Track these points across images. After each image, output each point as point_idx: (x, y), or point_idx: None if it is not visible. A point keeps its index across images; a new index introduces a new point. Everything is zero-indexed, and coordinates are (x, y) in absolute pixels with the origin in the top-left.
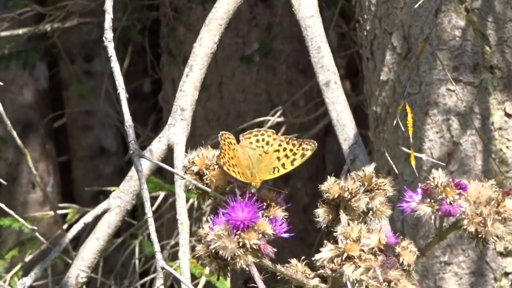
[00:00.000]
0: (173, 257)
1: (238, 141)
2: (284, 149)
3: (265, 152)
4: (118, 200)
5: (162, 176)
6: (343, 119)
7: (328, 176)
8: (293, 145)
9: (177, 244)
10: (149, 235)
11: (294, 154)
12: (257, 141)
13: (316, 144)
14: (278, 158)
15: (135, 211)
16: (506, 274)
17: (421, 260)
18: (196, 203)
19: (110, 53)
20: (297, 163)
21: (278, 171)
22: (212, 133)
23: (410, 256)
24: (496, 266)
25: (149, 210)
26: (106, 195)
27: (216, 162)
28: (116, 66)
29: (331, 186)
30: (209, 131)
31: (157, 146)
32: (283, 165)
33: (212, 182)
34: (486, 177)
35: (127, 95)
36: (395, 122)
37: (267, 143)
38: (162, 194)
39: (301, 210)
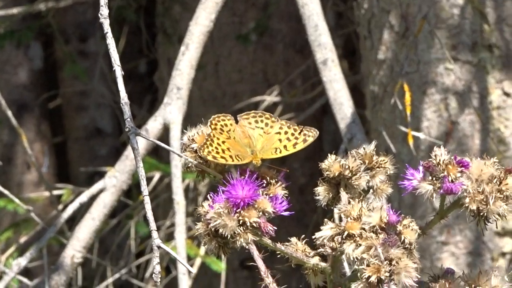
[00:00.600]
0: (168, 238)
1: (236, 121)
2: (286, 132)
3: (265, 132)
4: (113, 180)
5: (157, 156)
6: (340, 98)
7: (329, 154)
8: (294, 130)
9: (172, 225)
10: (144, 216)
11: (296, 138)
12: (256, 121)
13: (318, 132)
14: (280, 140)
15: (130, 192)
16: (503, 254)
17: (418, 240)
18: (192, 183)
19: (105, 30)
20: (299, 147)
21: (280, 152)
22: (208, 113)
23: (411, 234)
24: (493, 246)
25: (145, 188)
26: (101, 176)
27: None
28: (111, 43)
29: (331, 164)
30: (205, 111)
31: (153, 125)
32: (285, 146)
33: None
34: (483, 157)
35: (122, 73)
36: (392, 101)
37: (266, 125)
38: (157, 175)
39: (297, 190)
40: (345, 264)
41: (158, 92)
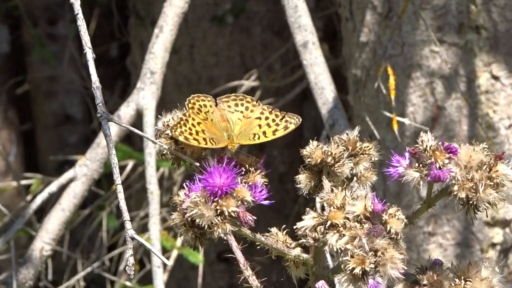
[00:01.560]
0: (142, 229)
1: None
2: (267, 118)
3: (244, 117)
4: (84, 169)
5: (130, 144)
6: (321, 82)
7: (310, 140)
8: (276, 116)
9: (146, 216)
10: (117, 206)
11: (277, 125)
12: (236, 105)
13: (300, 119)
14: (260, 126)
15: (101, 182)
16: (493, 245)
17: (404, 230)
18: (166, 172)
19: (76, 11)
20: (279, 134)
21: (258, 138)
22: (183, 99)
23: (397, 224)
24: (482, 237)
25: (117, 177)
26: (71, 164)
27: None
28: (82, 24)
29: (313, 150)
30: (179, 97)
31: (126, 111)
32: (264, 133)
33: (187, 146)
34: (472, 143)
35: (94, 56)
36: (376, 85)
37: (247, 109)
38: (131, 163)
39: (277, 179)
40: (328, 256)
41: (130, 77)
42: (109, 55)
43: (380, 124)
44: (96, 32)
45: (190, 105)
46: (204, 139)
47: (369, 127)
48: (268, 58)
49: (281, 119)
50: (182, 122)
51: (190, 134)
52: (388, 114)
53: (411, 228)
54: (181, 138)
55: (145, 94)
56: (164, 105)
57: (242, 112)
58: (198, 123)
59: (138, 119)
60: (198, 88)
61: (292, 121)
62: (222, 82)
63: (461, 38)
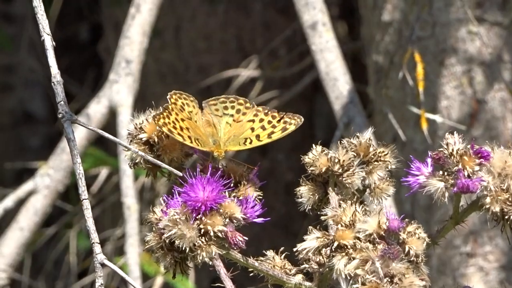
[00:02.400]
0: (120, 251)
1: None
2: (261, 120)
3: (235, 120)
4: (47, 179)
5: (104, 147)
6: (334, 72)
7: (313, 145)
8: (273, 117)
9: (124, 235)
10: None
11: (274, 127)
12: (225, 108)
13: (302, 119)
14: (252, 129)
15: (68, 194)
16: None
17: (436, 251)
18: (148, 182)
19: None
20: (276, 136)
21: (250, 143)
22: (167, 92)
23: (418, 244)
24: None
25: (84, 190)
26: (31, 173)
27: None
28: (39, 5)
29: (317, 157)
30: (163, 90)
31: (96, 109)
32: (257, 136)
33: (165, 153)
34: (509, 146)
35: (53, 43)
36: (401, 74)
37: (238, 111)
38: (104, 172)
39: (283, 189)
40: (340, 282)
41: (103, 66)
42: (78, 38)
43: (407, 122)
44: (62, 11)
45: (172, 100)
46: (189, 137)
47: (393, 126)
48: (271, 41)
49: (279, 120)
50: (165, 114)
51: (174, 128)
52: (416, 110)
53: (446, 248)
54: (165, 130)
55: (120, 88)
56: (144, 101)
57: (232, 115)
58: (182, 120)
59: (111, 118)
60: (185, 79)
61: (292, 122)
62: (215, 71)
63: (505, 16)
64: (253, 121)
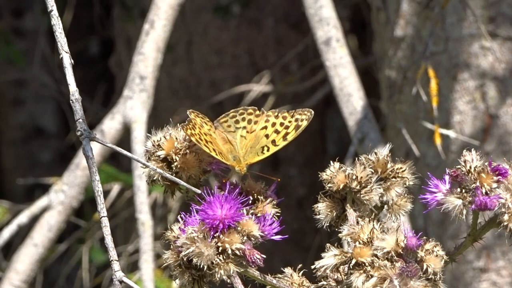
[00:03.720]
0: (132, 267)
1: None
2: (273, 124)
3: (248, 132)
4: (61, 195)
5: (116, 163)
6: (348, 87)
7: (331, 161)
8: (284, 118)
9: (136, 251)
10: (101, 239)
11: (286, 127)
12: (236, 122)
13: (313, 113)
14: (267, 136)
15: (81, 209)
16: None
17: (450, 266)
18: (160, 198)
19: (50, 7)
20: (290, 137)
21: (268, 150)
22: (179, 108)
23: (436, 261)
24: None
25: (102, 208)
26: (44, 189)
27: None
28: (57, 23)
29: (334, 174)
30: (175, 105)
31: (110, 126)
32: (273, 142)
33: (183, 170)
34: None
35: (72, 61)
36: (414, 90)
37: (249, 122)
38: (116, 187)
39: (295, 204)
40: None
41: (115, 81)
42: (88, 53)
43: (420, 138)
44: (72, 24)
45: (192, 116)
46: (214, 150)
47: (406, 142)
48: (283, 56)
49: (291, 118)
50: (190, 125)
51: (200, 139)
52: (429, 125)
53: (458, 263)
54: (193, 139)
55: (134, 104)
56: (156, 116)
57: (244, 127)
58: (205, 134)
59: (125, 134)
60: (197, 94)
61: (304, 117)
62: (227, 87)
63: None
64: (265, 127)
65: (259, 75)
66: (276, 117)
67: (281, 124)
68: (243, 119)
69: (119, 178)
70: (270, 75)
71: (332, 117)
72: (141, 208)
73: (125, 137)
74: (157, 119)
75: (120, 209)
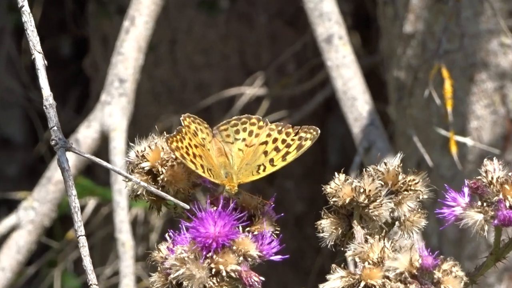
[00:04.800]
0: None
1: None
2: (275, 140)
3: (247, 145)
4: (31, 213)
5: (91, 175)
6: (352, 90)
7: (336, 173)
8: (287, 134)
9: (114, 273)
10: (75, 261)
11: (288, 146)
12: (237, 132)
13: (319, 132)
14: (265, 153)
15: (52, 228)
16: None
17: None
18: (141, 214)
19: (20, 2)
20: (290, 157)
21: (264, 170)
22: (162, 114)
23: (455, 283)
24: None
25: (80, 226)
26: (11, 205)
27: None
28: (29, 20)
29: (340, 186)
30: (157, 111)
31: (86, 134)
32: (271, 161)
33: (170, 184)
34: None
35: (45, 62)
36: (426, 92)
37: (250, 133)
38: (92, 203)
39: (292, 221)
40: None
41: (89, 84)
42: (59, 54)
43: (433, 146)
44: (41, 22)
45: (186, 123)
46: (202, 166)
47: (418, 151)
48: (278, 56)
49: (294, 136)
50: (178, 137)
51: (187, 153)
52: (443, 132)
53: (479, 285)
54: (177, 154)
55: (113, 110)
56: (135, 123)
57: (244, 139)
58: (195, 146)
59: (102, 144)
60: (182, 99)
61: (308, 136)
62: (215, 90)
63: None
64: (266, 143)
65: (251, 77)
66: (279, 132)
67: (283, 141)
68: (245, 130)
69: (95, 192)
70: (264, 76)
71: (334, 124)
72: (121, 226)
73: (102, 147)
74: (136, 127)
75: (96, 228)
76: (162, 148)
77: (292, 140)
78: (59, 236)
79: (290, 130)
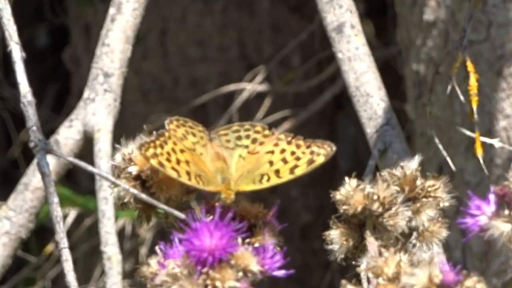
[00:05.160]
0: None
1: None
2: (282, 151)
3: (250, 152)
4: (6, 224)
5: (71, 182)
6: (366, 86)
7: (346, 178)
8: (297, 146)
9: None
10: (53, 279)
11: (297, 158)
12: (238, 138)
13: (334, 149)
14: (271, 163)
15: (28, 242)
16: None
17: None
18: (129, 226)
19: None
20: (299, 171)
21: (268, 180)
22: (151, 113)
23: None
24: None
25: (63, 238)
26: None
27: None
28: (5, 7)
29: (351, 193)
30: (146, 110)
31: (67, 135)
32: (276, 172)
33: (161, 190)
34: None
35: (23, 54)
36: (449, 88)
37: (254, 141)
38: (73, 213)
39: (298, 233)
40: None
41: (70, 79)
42: (35, 44)
43: (457, 148)
44: (15, 10)
45: (171, 127)
46: (188, 173)
47: (439, 153)
48: (282, 48)
49: (306, 149)
50: (158, 142)
51: (168, 160)
52: (468, 132)
53: None
54: (153, 162)
55: (97, 108)
56: (122, 124)
57: (247, 146)
58: (181, 151)
59: (85, 146)
60: (174, 96)
61: (321, 152)
62: (212, 86)
63: None
64: (272, 152)
65: (252, 71)
66: (289, 143)
67: (292, 153)
68: (247, 137)
69: (76, 202)
70: (266, 71)
71: (344, 124)
72: (107, 239)
73: (85, 150)
74: (123, 127)
75: (78, 240)
76: None
77: (303, 153)
78: (35, 251)
79: (301, 142)
